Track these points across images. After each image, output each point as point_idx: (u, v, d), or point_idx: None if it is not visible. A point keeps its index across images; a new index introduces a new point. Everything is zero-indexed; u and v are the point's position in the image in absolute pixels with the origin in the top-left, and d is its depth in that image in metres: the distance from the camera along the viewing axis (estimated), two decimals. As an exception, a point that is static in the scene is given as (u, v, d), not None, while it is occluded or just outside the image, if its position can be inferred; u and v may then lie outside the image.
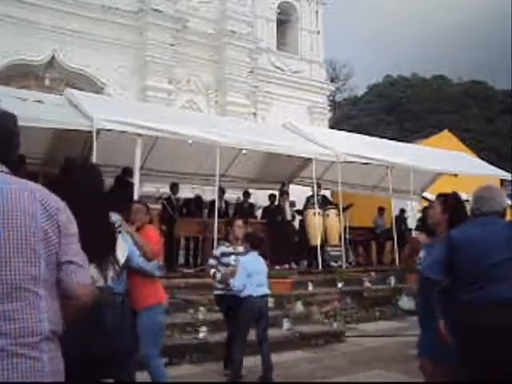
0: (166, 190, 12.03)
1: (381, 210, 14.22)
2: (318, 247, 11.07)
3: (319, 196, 12.28)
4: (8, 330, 1.65)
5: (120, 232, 4.03)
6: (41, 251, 1.76)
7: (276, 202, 12.49)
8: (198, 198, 12.30)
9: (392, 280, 10.93)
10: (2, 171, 1.85)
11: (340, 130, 18.64)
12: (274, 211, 12.26)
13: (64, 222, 1.84)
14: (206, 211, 11.94)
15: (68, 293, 1.83)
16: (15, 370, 1.63)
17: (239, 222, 6.33)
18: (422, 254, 4.01)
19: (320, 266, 10.95)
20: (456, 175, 14.19)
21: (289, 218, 12.25)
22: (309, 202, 12.23)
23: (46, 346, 1.72)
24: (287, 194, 12.60)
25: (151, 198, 11.50)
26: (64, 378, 1.81)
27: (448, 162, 13.96)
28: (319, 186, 12.35)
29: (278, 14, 20.19)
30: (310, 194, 12.30)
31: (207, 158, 10.92)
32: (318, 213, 11.61)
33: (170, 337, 6.69)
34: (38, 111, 8.45)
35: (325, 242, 11.71)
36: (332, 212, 12.01)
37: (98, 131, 8.65)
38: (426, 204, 11.32)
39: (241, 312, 5.80)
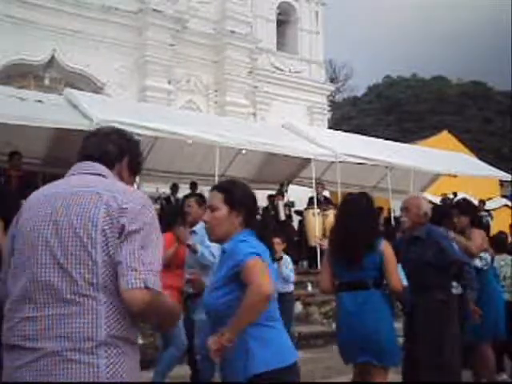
0: (165, 190, 12.05)
1: (379, 210, 14.21)
2: (318, 247, 11.06)
3: (322, 196, 12.29)
4: (66, 334, 1.68)
5: None
6: (98, 257, 1.72)
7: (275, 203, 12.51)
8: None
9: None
10: (89, 172, 1.93)
11: (339, 130, 18.64)
12: (271, 212, 12.27)
13: (128, 224, 1.75)
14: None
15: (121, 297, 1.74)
16: (68, 376, 1.65)
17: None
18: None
19: (319, 267, 10.94)
20: (455, 176, 14.19)
21: (282, 218, 12.22)
22: (311, 202, 12.23)
23: (103, 352, 1.69)
24: (282, 194, 12.62)
25: (151, 198, 11.51)
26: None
27: (447, 163, 13.95)
28: (322, 187, 12.35)
29: (278, 14, 20.20)
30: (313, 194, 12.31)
31: (207, 158, 10.91)
32: (318, 213, 11.60)
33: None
34: (38, 111, 8.44)
35: (324, 242, 11.69)
36: (331, 212, 11.99)
37: (98, 131, 8.64)
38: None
39: None
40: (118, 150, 2.02)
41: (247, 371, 2.31)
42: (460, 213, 5.30)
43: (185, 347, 4.98)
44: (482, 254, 5.24)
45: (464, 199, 7.16)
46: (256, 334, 2.35)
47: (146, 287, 1.71)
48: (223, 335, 2.26)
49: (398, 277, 3.71)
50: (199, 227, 4.97)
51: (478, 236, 5.17)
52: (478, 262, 5.13)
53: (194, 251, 4.84)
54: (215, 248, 4.74)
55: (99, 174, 1.93)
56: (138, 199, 1.83)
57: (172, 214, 5.42)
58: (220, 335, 2.27)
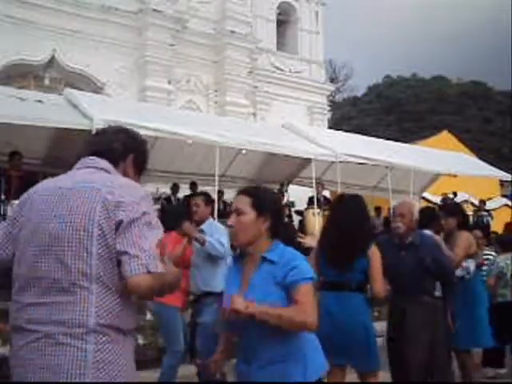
0: (165, 190, 12.05)
1: (377, 210, 14.21)
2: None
3: (322, 196, 12.29)
4: (61, 320, 1.82)
5: None
6: (93, 248, 1.83)
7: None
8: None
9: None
10: (94, 166, 2.03)
11: (339, 130, 18.63)
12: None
13: (125, 216, 1.85)
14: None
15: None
16: (58, 357, 1.80)
17: None
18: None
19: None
20: (455, 176, 14.19)
21: (283, 217, 12.26)
22: (311, 202, 12.24)
23: (92, 338, 1.82)
24: (282, 194, 12.63)
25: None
26: (120, 370, 1.87)
27: (447, 163, 13.93)
28: (322, 187, 12.35)
29: (278, 14, 20.21)
30: (313, 194, 12.31)
31: (207, 158, 10.90)
32: (318, 213, 11.60)
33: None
34: (38, 111, 8.43)
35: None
36: (331, 212, 11.99)
37: (98, 131, 8.63)
38: (425, 204, 11.33)
39: None
40: (122, 148, 2.11)
41: (307, 376, 2.35)
42: (447, 215, 5.16)
43: (181, 355, 4.92)
44: (464, 263, 5.01)
45: (453, 200, 7.10)
46: (309, 340, 2.41)
47: (148, 272, 1.81)
48: (250, 306, 2.21)
49: (383, 283, 3.71)
50: (207, 225, 4.96)
51: (464, 240, 4.97)
52: (458, 271, 4.91)
53: (202, 243, 4.74)
54: (224, 237, 4.71)
55: (102, 169, 2.03)
56: (136, 193, 1.93)
57: (176, 214, 5.33)
58: (249, 304, 2.22)
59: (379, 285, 3.65)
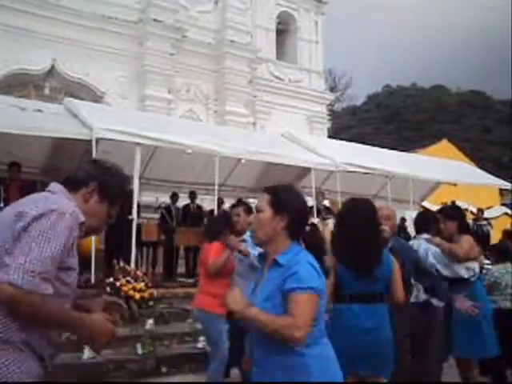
0: (165, 199, 12.02)
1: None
2: (318, 256, 11.00)
3: (322, 205, 12.26)
4: None
5: None
6: None
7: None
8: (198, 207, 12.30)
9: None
10: (49, 190, 2.12)
11: (339, 139, 18.63)
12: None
13: (19, 226, 1.89)
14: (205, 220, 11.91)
15: None
16: None
17: None
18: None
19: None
20: (455, 184, 14.18)
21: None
22: (311, 211, 12.22)
23: None
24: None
25: (150, 207, 11.49)
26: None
27: (447, 172, 13.94)
28: (323, 196, 12.32)
29: (278, 23, 20.29)
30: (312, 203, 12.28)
31: (206, 167, 10.90)
32: (317, 222, 11.57)
33: (169, 346, 6.66)
34: (38, 120, 8.44)
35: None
36: (331, 221, 11.96)
37: (98, 140, 8.63)
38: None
39: None
40: (84, 176, 2.18)
41: None
42: (446, 218, 4.90)
43: (225, 359, 4.89)
44: (470, 264, 4.77)
45: (453, 204, 6.95)
46: (315, 352, 2.28)
47: (10, 283, 1.78)
48: (246, 308, 2.24)
49: (403, 289, 3.60)
50: (249, 235, 4.92)
51: (466, 242, 4.74)
52: (464, 273, 4.71)
53: (246, 254, 4.80)
54: None
55: (51, 191, 2.11)
56: (42, 207, 1.95)
57: (219, 224, 5.32)
58: (246, 305, 2.24)
59: (402, 291, 3.56)
